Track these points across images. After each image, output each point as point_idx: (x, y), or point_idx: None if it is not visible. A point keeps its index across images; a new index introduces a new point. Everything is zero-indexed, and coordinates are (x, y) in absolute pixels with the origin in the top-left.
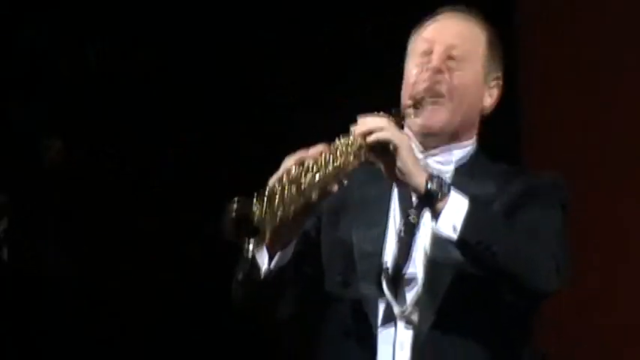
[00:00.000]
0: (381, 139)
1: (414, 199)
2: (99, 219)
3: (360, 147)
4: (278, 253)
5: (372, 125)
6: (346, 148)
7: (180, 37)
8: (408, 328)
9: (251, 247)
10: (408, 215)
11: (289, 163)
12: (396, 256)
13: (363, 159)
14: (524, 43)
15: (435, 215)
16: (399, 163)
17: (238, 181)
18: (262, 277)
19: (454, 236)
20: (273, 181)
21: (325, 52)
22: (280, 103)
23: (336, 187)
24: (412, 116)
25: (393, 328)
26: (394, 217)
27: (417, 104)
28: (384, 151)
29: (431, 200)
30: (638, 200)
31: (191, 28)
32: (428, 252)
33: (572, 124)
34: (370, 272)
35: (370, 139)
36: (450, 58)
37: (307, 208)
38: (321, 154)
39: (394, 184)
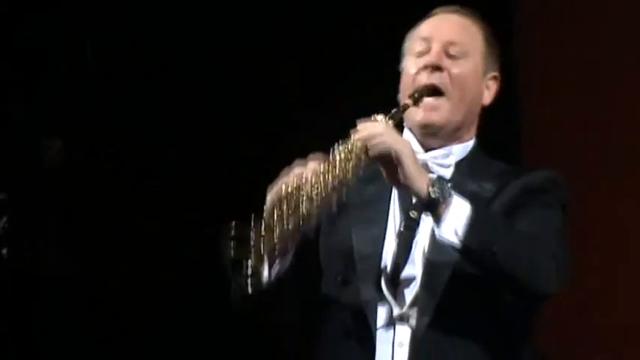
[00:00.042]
0: (382, 151)
1: (414, 198)
2: (99, 219)
3: (359, 158)
4: (277, 262)
5: (372, 132)
6: (345, 156)
7: (180, 37)
8: (406, 328)
9: (249, 270)
10: (409, 213)
11: (288, 178)
12: (395, 255)
13: (362, 167)
14: (524, 43)
15: (437, 220)
16: (400, 170)
17: (238, 181)
18: (263, 287)
19: (456, 241)
20: (271, 198)
21: (325, 52)
22: (280, 103)
23: (336, 198)
24: (412, 114)
25: (392, 328)
26: (394, 216)
27: (417, 102)
28: (386, 159)
29: (433, 206)
30: (638, 200)
31: (191, 28)
32: (427, 251)
33: (572, 124)
34: (369, 273)
35: (371, 152)
36: (448, 55)
37: (306, 220)
38: (319, 165)
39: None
